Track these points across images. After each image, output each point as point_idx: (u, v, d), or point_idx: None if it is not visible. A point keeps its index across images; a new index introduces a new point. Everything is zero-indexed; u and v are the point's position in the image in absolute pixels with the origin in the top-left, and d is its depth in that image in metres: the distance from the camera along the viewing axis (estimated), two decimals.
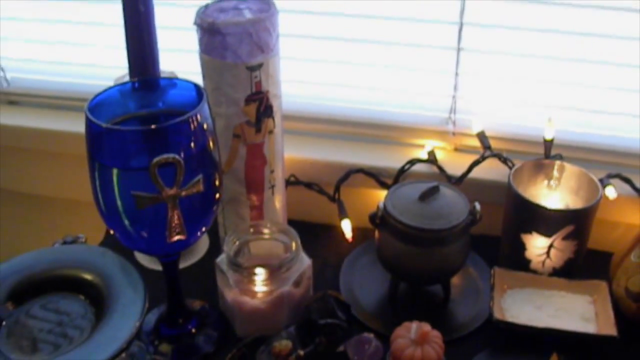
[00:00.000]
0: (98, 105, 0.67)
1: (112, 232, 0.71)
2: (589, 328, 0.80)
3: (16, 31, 1.10)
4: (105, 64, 1.06)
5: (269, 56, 0.76)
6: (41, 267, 0.67)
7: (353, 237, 0.95)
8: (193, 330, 0.81)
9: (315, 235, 0.97)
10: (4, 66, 1.13)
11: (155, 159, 0.60)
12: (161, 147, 0.63)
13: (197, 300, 0.86)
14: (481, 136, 0.96)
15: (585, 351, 0.79)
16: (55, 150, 1.10)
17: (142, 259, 0.93)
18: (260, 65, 0.76)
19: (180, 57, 0.93)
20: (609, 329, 0.78)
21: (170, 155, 0.61)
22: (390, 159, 0.98)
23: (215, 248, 0.95)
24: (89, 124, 0.64)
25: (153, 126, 0.62)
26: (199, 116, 0.65)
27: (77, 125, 0.89)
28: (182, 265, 0.92)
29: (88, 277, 0.66)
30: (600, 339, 0.78)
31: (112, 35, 1.00)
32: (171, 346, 0.80)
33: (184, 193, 0.64)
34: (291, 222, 0.88)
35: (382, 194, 0.91)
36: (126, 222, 0.67)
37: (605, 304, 0.82)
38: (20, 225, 1.25)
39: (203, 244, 0.97)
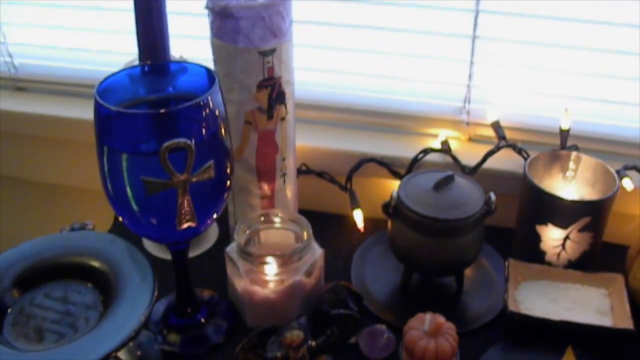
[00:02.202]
0: (107, 89, 0.65)
1: (120, 219, 0.70)
2: (605, 321, 0.78)
3: (24, 17, 1.09)
4: (115, 50, 1.05)
5: (281, 41, 0.75)
6: (48, 254, 0.66)
7: (365, 227, 0.94)
8: (202, 320, 0.80)
9: (326, 225, 0.96)
10: (12, 52, 1.12)
11: (166, 144, 0.59)
12: (171, 133, 0.62)
13: (207, 290, 0.85)
14: (496, 126, 0.94)
15: (600, 345, 0.78)
16: (64, 137, 1.09)
17: (151, 248, 0.92)
18: (273, 51, 0.74)
19: (190, 43, 0.92)
20: (625, 322, 0.77)
21: (181, 140, 0.60)
22: (403, 149, 0.96)
23: (225, 238, 0.94)
24: (98, 107, 0.63)
25: (162, 110, 0.61)
26: (210, 100, 0.64)
27: (85, 111, 0.88)
28: (192, 254, 0.91)
29: (96, 264, 0.65)
30: (616, 332, 0.77)
31: (122, 20, 0.99)
32: (180, 336, 0.79)
33: (194, 179, 0.63)
34: (302, 212, 0.87)
35: (394, 184, 0.90)
36: (135, 208, 0.66)
37: (621, 297, 0.80)
38: (28, 214, 1.25)
39: (213, 234, 0.96)
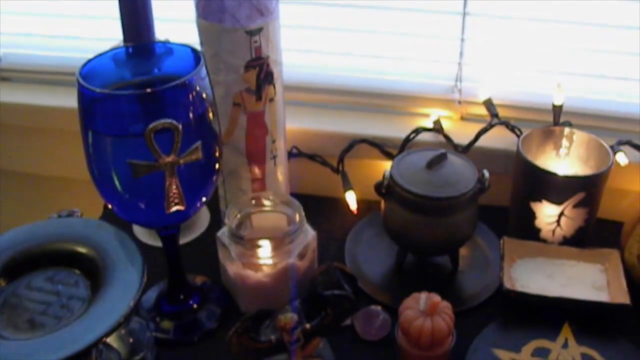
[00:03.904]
0: (90, 73, 0.64)
1: (109, 206, 0.69)
2: (601, 297, 0.78)
3: (5, 6, 1.07)
4: (99, 37, 1.03)
5: (268, 20, 0.73)
6: (35, 241, 0.64)
7: (358, 209, 0.93)
8: (195, 307, 0.79)
9: (318, 208, 0.95)
10: None
11: (152, 124, 0.58)
12: (158, 115, 0.60)
13: (199, 276, 0.84)
14: (488, 104, 0.93)
15: (597, 320, 0.77)
16: (49, 126, 1.07)
17: (142, 235, 0.91)
18: (260, 30, 0.73)
19: (175, 27, 0.90)
20: (622, 297, 0.76)
21: (167, 121, 0.59)
22: (395, 129, 0.95)
23: (216, 223, 0.93)
24: (82, 90, 0.61)
25: (148, 90, 0.59)
26: (196, 80, 0.63)
27: (70, 100, 0.86)
28: (183, 240, 0.90)
29: (83, 250, 0.63)
30: (613, 307, 0.76)
31: (105, 6, 0.98)
32: (173, 323, 0.78)
33: (182, 161, 0.62)
34: (294, 196, 0.85)
35: (386, 164, 0.89)
36: (123, 192, 0.65)
37: (617, 272, 0.80)
38: (14, 205, 1.23)
39: (204, 219, 0.95)
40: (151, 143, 0.59)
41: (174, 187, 0.63)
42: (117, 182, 0.64)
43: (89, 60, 0.65)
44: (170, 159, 0.61)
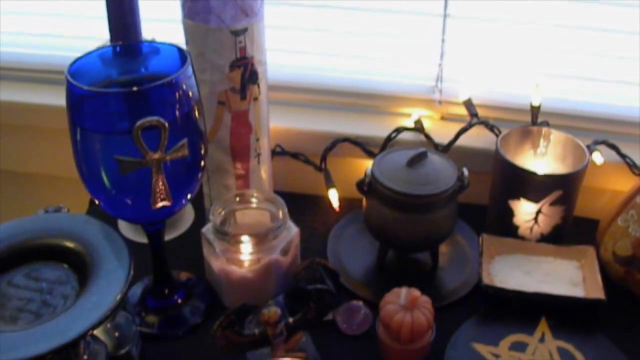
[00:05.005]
0: (78, 72, 0.65)
1: (96, 201, 0.69)
2: (577, 292, 0.80)
3: None
4: (86, 35, 1.03)
5: (253, 20, 0.74)
6: (23, 236, 0.65)
7: (340, 207, 0.94)
8: (179, 302, 0.80)
9: (301, 206, 0.97)
10: None
11: (139, 122, 0.59)
12: (144, 113, 0.61)
13: (184, 272, 0.85)
14: (468, 104, 0.95)
15: (573, 315, 0.79)
16: (36, 124, 1.08)
17: (128, 232, 0.92)
18: (244, 30, 0.74)
19: (161, 27, 0.91)
20: (597, 292, 0.78)
21: (154, 118, 0.60)
22: (377, 128, 0.97)
23: (200, 220, 0.93)
24: (70, 88, 0.62)
25: (135, 88, 0.61)
26: (182, 79, 0.64)
27: (57, 98, 0.88)
28: (168, 237, 0.91)
29: (70, 245, 0.64)
30: (589, 302, 0.78)
31: (92, 5, 0.98)
32: (158, 317, 0.79)
33: (168, 157, 0.63)
34: (278, 194, 0.87)
35: (368, 163, 0.90)
36: (110, 188, 0.66)
37: (592, 268, 0.82)
38: (0, 202, 1.23)
39: (188, 216, 0.96)
40: (138, 140, 0.60)
41: (160, 183, 0.64)
42: (104, 178, 0.65)
43: (77, 59, 0.66)
44: (157, 155, 0.62)
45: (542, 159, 0.90)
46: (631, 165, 0.90)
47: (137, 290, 0.82)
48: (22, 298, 0.61)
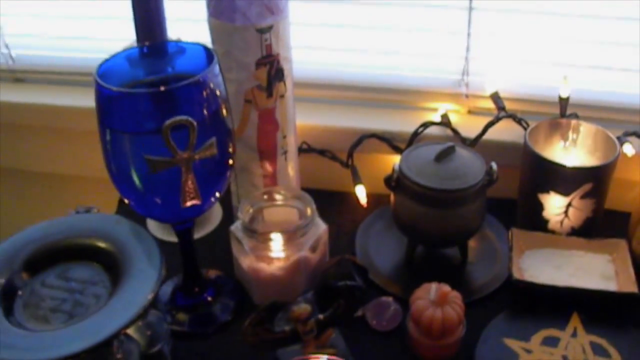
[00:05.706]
0: (106, 73, 0.65)
1: (126, 201, 0.70)
2: (610, 286, 0.79)
3: (19, 7, 1.09)
4: (112, 37, 1.04)
5: (279, 18, 0.75)
6: (55, 237, 0.66)
7: (367, 203, 0.94)
8: (209, 299, 0.81)
9: (329, 202, 0.96)
10: (9, 44, 1.11)
11: (168, 121, 0.59)
12: (173, 113, 0.61)
13: (213, 270, 0.86)
14: (495, 97, 0.94)
15: (606, 310, 0.78)
16: (64, 126, 1.09)
17: (157, 231, 0.92)
18: (270, 28, 0.74)
19: (187, 27, 0.91)
20: (630, 286, 0.77)
21: (183, 117, 0.60)
22: (403, 124, 0.97)
23: (228, 218, 0.94)
24: (99, 89, 0.63)
25: (162, 88, 0.61)
26: (209, 77, 0.64)
27: (84, 99, 0.88)
28: (196, 236, 0.91)
29: (102, 245, 0.65)
30: (622, 296, 0.77)
31: (118, 7, 0.99)
32: (188, 315, 0.80)
33: (197, 156, 0.63)
34: (304, 191, 0.87)
35: (395, 158, 0.90)
36: (140, 188, 0.66)
37: (625, 262, 0.81)
38: (30, 205, 1.25)
39: (216, 215, 0.97)
40: (168, 139, 0.60)
41: (189, 182, 0.64)
42: (134, 178, 0.65)
43: (105, 61, 0.66)
44: (186, 154, 0.62)
45: (572, 151, 0.89)
46: None
47: (167, 288, 0.83)
48: (55, 298, 0.62)
